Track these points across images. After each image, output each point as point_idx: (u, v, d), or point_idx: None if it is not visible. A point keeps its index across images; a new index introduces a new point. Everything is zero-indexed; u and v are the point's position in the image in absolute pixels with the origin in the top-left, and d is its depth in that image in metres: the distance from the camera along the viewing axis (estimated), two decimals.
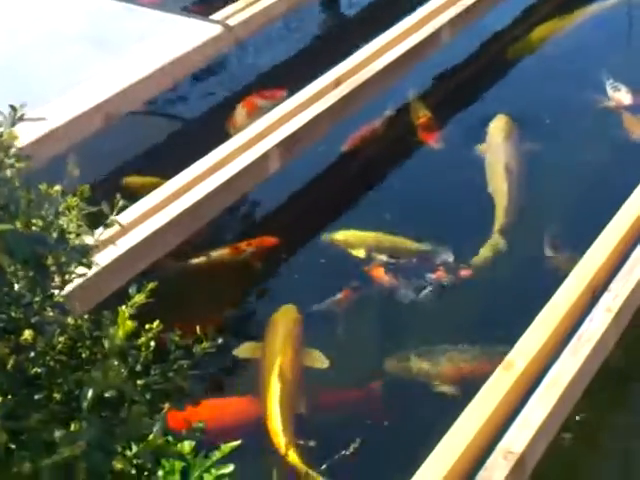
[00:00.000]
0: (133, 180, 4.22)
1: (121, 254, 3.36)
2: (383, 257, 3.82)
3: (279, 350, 3.32)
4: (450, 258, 3.77)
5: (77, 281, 2.88)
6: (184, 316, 2.86)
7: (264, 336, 3.43)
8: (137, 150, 4.62)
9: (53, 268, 1.58)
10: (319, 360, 3.35)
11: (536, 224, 4.04)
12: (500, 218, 4.04)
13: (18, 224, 1.39)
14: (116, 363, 1.40)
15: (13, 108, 1.42)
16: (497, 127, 4.58)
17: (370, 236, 3.96)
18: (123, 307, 1.47)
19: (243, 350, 3.42)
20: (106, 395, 1.57)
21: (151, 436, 1.32)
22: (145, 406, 1.42)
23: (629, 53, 5.34)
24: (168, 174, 3.83)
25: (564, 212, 4.14)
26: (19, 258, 1.29)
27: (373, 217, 4.12)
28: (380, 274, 3.74)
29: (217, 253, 3.93)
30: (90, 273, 3.05)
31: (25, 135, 3.72)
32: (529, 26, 5.54)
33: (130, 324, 1.42)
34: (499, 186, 4.20)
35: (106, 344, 1.37)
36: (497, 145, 4.47)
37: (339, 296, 3.66)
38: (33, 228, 1.47)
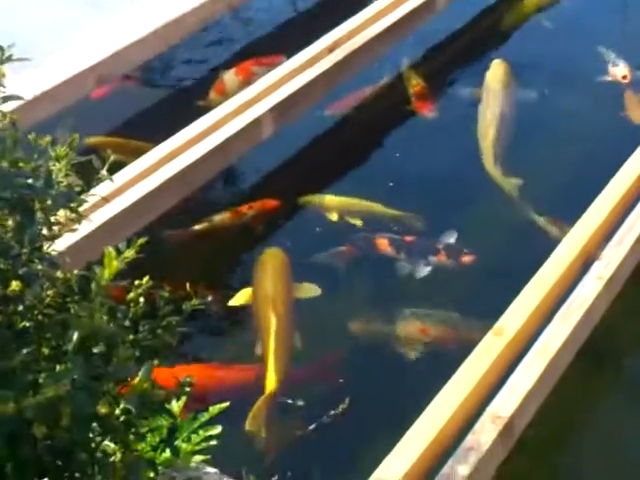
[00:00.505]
0: (95, 140, 4.15)
1: (112, 216, 3.35)
2: (357, 221, 3.87)
3: (269, 288, 3.40)
4: (453, 239, 3.74)
5: (68, 240, 2.92)
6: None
7: (253, 279, 3.48)
8: (128, 114, 4.57)
9: (41, 215, 1.56)
10: (310, 290, 3.45)
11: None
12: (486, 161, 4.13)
13: (4, 163, 1.37)
14: (103, 307, 1.38)
15: (0, 48, 1.39)
16: (493, 72, 4.67)
17: (343, 200, 4.00)
18: (110, 248, 1.46)
19: (237, 299, 3.45)
20: (94, 350, 1.57)
21: (137, 380, 1.32)
22: (132, 351, 1.41)
23: (625, 21, 5.31)
24: (159, 139, 3.80)
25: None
26: (4, 196, 1.27)
27: (363, 184, 4.12)
28: (384, 245, 3.74)
29: (218, 217, 3.92)
30: (82, 232, 3.10)
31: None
32: None
33: (116, 265, 1.41)
34: (486, 130, 4.30)
35: (93, 286, 1.36)
36: (491, 90, 4.55)
37: (341, 249, 3.70)
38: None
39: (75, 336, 1.26)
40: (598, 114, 4.54)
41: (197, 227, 3.87)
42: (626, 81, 4.68)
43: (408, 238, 3.75)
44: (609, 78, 4.74)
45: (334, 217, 3.91)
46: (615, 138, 4.27)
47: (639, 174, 3.53)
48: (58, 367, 1.23)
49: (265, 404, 2.94)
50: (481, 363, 2.82)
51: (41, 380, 1.20)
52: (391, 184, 4.11)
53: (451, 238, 3.75)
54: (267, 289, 3.41)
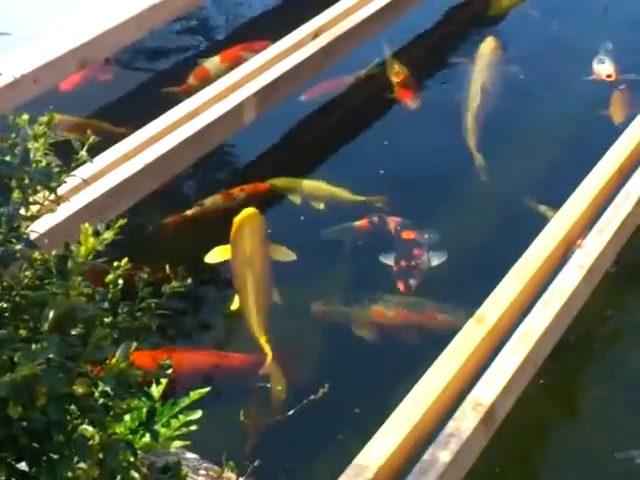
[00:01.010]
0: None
1: (92, 199, 3.33)
2: (320, 204, 3.89)
3: (247, 247, 3.45)
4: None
5: (47, 223, 2.89)
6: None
7: (231, 238, 3.50)
8: (109, 98, 4.54)
9: (18, 197, 1.54)
10: (286, 254, 3.54)
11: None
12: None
13: None
14: (80, 285, 1.36)
15: None
16: (484, 48, 4.76)
17: (308, 184, 4.01)
18: (86, 224, 1.44)
19: (212, 255, 3.51)
20: (72, 332, 1.55)
21: (114, 360, 1.30)
22: (109, 331, 1.39)
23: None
24: (140, 123, 3.77)
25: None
26: None
27: (343, 172, 4.12)
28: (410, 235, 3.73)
29: (210, 200, 3.90)
30: (61, 216, 3.07)
31: None
32: None
33: (93, 241, 1.39)
34: (471, 103, 4.39)
35: (69, 263, 1.34)
36: (480, 64, 4.64)
37: (357, 223, 3.74)
38: None
39: (51, 314, 1.24)
40: (579, 111, 4.52)
41: (190, 211, 3.84)
42: (611, 79, 4.62)
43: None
44: (593, 76, 4.69)
45: (297, 200, 3.94)
46: (595, 135, 4.26)
47: (619, 165, 3.54)
48: (34, 346, 1.21)
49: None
50: (462, 350, 2.81)
51: (16, 359, 1.18)
52: (381, 172, 4.10)
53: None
54: (245, 247, 3.45)
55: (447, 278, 3.56)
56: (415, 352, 3.21)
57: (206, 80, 4.32)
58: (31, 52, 4.02)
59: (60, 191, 1.83)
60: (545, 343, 2.97)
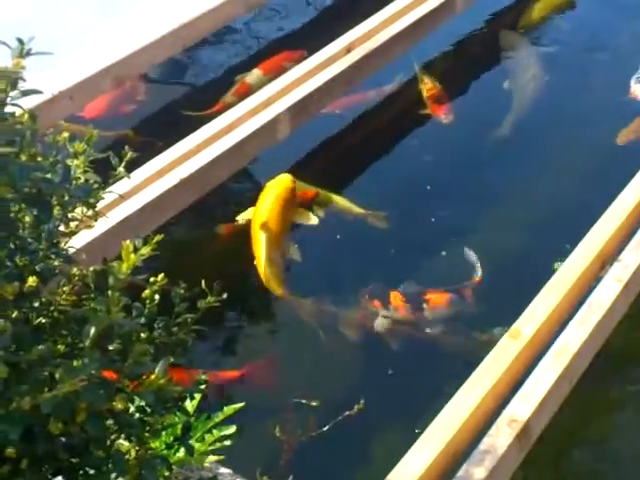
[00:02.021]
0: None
1: (129, 214, 3.35)
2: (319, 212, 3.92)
3: (267, 207, 3.73)
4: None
5: (85, 238, 2.92)
6: None
7: (259, 197, 3.79)
8: (144, 114, 4.58)
9: (58, 213, 1.56)
10: (309, 218, 3.82)
11: None
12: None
13: (23, 157, 1.37)
14: (121, 301, 1.37)
15: (20, 42, 1.39)
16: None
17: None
18: (128, 241, 1.45)
19: (243, 215, 3.81)
20: (109, 347, 1.56)
21: (152, 376, 1.31)
22: (148, 347, 1.40)
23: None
24: (175, 138, 3.80)
25: None
26: (22, 192, 1.27)
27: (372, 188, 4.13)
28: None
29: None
30: (98, 231, 3.10)
31: (33, 96, 3.75)
32: None
33: (134, 258, 1.40)
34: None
35: (110, 280, 1.35)
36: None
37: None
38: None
39: (92, 331, 1.25)
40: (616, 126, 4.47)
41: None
42: None
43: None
44: (630, 96, 4.61)
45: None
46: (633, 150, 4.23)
47: None
48: (75, 362, 1.22)
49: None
50: (497, 366, 2.79)
51: (57, 375, 1.19)
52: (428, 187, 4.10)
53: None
54: (264, 208, 3.72)
55: (486, 291, 3.55)
56: (449, 368, 3.20)
57: (249, 93, 4.31)
58: (67, 69, 4.06)
59: (97, 206, 1.86)
60: (581, 358, 2.94)
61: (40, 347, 1.25)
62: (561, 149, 4.32)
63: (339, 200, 3.99)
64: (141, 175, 3.53)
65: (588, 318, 2.99)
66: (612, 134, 4.37)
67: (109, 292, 1.40)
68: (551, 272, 3.15)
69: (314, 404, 2.80)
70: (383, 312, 3.42)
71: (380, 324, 3.39)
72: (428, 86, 4.62)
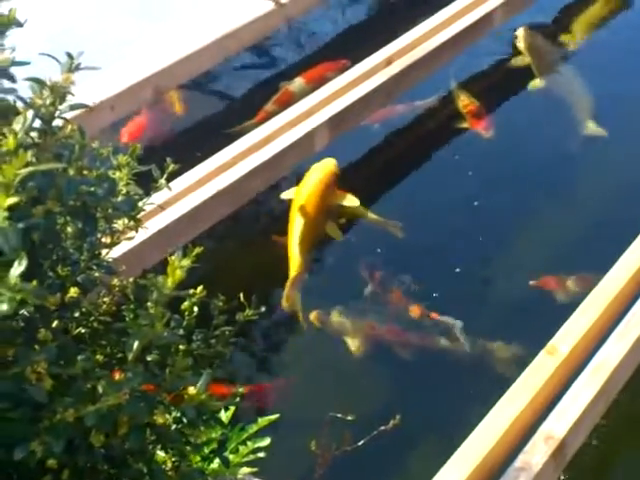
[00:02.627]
0: None
1: (168, 224, 3.38)
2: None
3: (309, 188, 3.85)
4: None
5: (123, 247, 2.94)
6: None
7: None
8: (185, 124, 4.61)
9: (102, 225, 1.58)
10: (351, 200, 3.90)
11: None
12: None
13: (71, 171, 1.39)
14: (164, 316, 1.38)
15: (70, 56, 1.41)
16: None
17: None
18: (174, 256, 1.46)
19: (286, 194, 3.94)
20: (148, 357, 1.58)
21: (194, 391, 1.32)
22: (189, 360, 1.41)
23: None
24: (213, 149, 3.82)
25: None
26: (68, 205, 1.29)
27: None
28: None
29: None
30: (137, 240, 3.13)
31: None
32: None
33: (180, 273, 1.41)
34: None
35: (154, 294, 1.36)
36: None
37: None
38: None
39: (135, 345, 1.26)
40: None
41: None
42: None
43: None
44: None
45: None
46: None
47: None
48: (117, 375, 1.23)
49: (293, 284, 3.53)
50: (534, 382, 2.78)
51: (100, 388, 1.21)
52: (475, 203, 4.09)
53: None
54: (305, 190, 3.85)
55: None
56: (487, 383, 3.18)
57: (291, 102, 4.33)
58: (108, 79, 4.10)
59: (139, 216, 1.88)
60: (619, 375, 2.92)
61: (83, 359, 1.26)
62: (608, 164, 4.29)
63: (360, 209, 3.99)
64: (179, 186, 3.55)
65: (626, 335, 2.97)
66: None
67: (149, 304, 1.42)
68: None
69: (349, 418, 2.80)
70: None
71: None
72: (465, 102, 4.61)
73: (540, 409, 2.77)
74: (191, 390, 1.31)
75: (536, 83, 4.80)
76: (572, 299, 3.40)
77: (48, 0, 4.63)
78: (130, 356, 1.26)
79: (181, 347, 1.82)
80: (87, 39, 4.36)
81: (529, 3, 5.15)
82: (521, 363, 3.01)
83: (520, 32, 4.97)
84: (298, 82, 4.65)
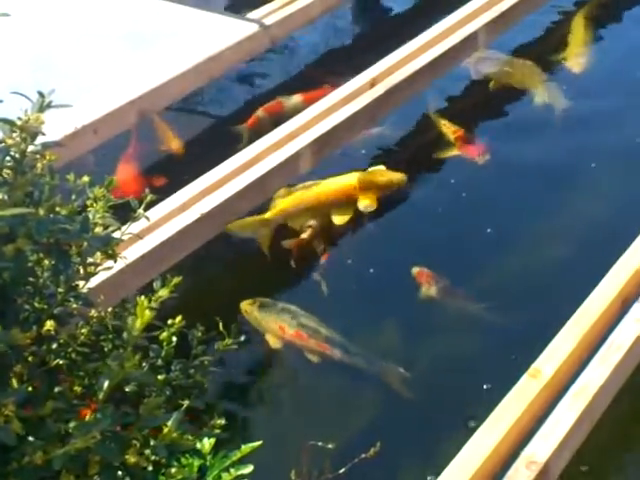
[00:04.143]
0: None
1: (148, 250, 3.37)
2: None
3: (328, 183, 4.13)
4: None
5: (103, 276, 2.93)
6: None
7: None
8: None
9: (77, 259, 1.58)
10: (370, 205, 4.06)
11: None
12: None
13: (41, 211, 1.39)
14: (136, 355, 1.38)
15: (41, 95, 1.41)
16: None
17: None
18: (142, 297, 1.46)
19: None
20: (125, 389, 1.58)
21: (166, 430, 1.31)
22: (163, 398, 1.41)
23: None
24: (199, 172, 3.83)
25: None
26: (41, 243, 1.29)
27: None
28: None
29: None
30: (116, 268, 3.11)
31: (57, 130, 3.80)
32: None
33: (149, 314, 1.41)
34: None
35: (124, 335, 1.36)
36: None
37: None
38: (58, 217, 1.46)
39: (105, 384, 1.26)
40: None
41: (306, 234, 3.99)
42: None
43: None
44: None
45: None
46: None
47: None
48: (88, 416, 1.23)
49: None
50: (516, 406, 2.77)
51: (70, 429, 1.20)
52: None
53: None
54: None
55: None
56: (468, 407, 3.18)
57: (280, 114, 4.41)
58: (91, 103, 4.10)
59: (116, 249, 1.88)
60: (602, 398, 2.92)
61: (56, 396, 1.25)
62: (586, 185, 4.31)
63: None
64: (163, 210, 3.55)
65: (608, 358, 2.97)
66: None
67: (123, 338, 1.42)
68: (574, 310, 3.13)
69: (330, 446, 2.79)
70: None
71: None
72: (452, 128, 4.57)
73: (523, 433, 2.77)
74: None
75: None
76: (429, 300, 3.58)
77: (32, 25, 4.64)
78: (101, 396, 1.26)
79: (159, 377, 1.83)
80: (69, 62, 4.37)
81: (513, 23, 5.16)
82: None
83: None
84: (295, 99, 4.67)
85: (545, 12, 5.57)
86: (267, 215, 3.99)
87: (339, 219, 4.04)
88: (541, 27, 5.59)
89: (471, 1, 4.98)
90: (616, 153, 4.52)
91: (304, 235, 3.97)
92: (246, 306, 3.57)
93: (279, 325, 3.49)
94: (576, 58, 5.23)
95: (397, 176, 4.19)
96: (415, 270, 3.76)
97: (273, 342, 3.49)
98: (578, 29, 5.46)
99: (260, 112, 4.63)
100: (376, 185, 4.13)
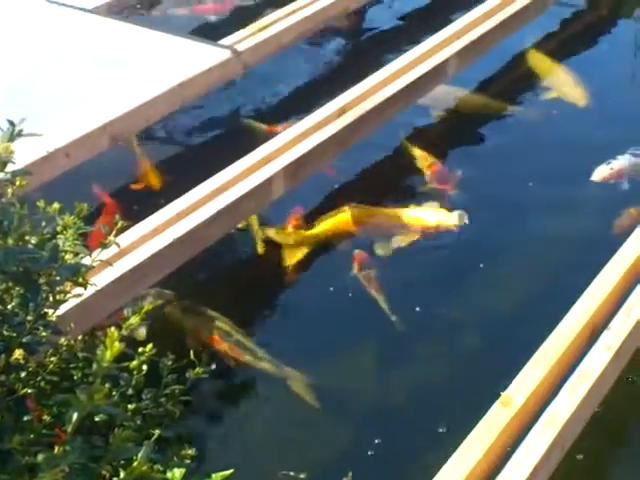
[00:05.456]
0: None
1: (119, 275, 3.34)
2: None
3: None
4: None
5: (73, 302, 2.91)
6: None
7: None
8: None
9: (46, 287, 1.56)
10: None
11: None
12: None
13: (10, 240, 1.38)
14: (105, 385, 1.37)
15: (11, 123, 1.40)
16: None
17: None
18: (112, 328, 1.45)
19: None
20: (95, 419, 1.56)
21: (135, 462, 1.30)
22: (132, 430, 1.39)
23: None
24: (170, 197, 3.82)
25: None
26: (9, 272, 1.27)
27: None
28: None
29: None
30: (87, 294, 3.09)
31: (29, 154, 3.78)
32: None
33: (118, 346, 1.40)
34: None
35: (94, 366, 1.35)
36: None
37: None
38: (27, 245, 1.45)
39: (74, 417, 1.25)
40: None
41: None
42: (607, 182, 4.53)
43: None
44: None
45: None
46: None
47: None
48: (56, 449, 1.21)
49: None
50: (488, 435, 2.77)
51: (39, 460, 1.18)
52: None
53: None
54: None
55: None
56: (439, 436, 3.18)
57: None
58: (63, 126, 4.08)
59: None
60: (573, 426, 2.93)
61: (22, 433, 1.24)
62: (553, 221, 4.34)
63: None
64: (134, 234, 3.53)
65: (579, 385, 2.98)
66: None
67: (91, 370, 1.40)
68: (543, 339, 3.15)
69: (302, 477, 2.77)
70: None
71: None
72: (428, 162, 4.60)
73: (495, 462, 2.76)
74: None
75: None
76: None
77: (1, 49, 4.63)
78: (69, 428, 1.24)
79: (129, 406, 1.81)
80: (41, 85, 4.36)
81: (483, 52, 5.21)
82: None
83: None
84: None
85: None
86: (315, 231, 4.12)
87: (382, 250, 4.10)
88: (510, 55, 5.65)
89: (441, 30, 5.02)
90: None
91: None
92: (170, 308, 3.70)
93: (197, 328, 3.61)
94: (574, 91, 5.27)
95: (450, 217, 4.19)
96: (356, 251, 4.02)
97: (191, 344, 3.53)
98: (548, 64, 5.53)
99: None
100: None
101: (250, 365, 3.49)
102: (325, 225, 4.20)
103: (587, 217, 4.34)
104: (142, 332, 3.48)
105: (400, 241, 4.11)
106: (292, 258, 4.08)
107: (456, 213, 4.18)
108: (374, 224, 4.21)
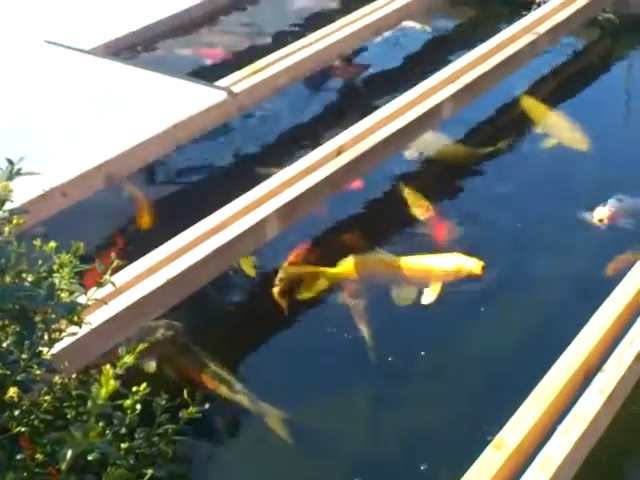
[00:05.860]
0: None
1: (113, 315, 3.34)
2: None
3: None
4: None
5: (68, 340, 2.91)
6: None
7: None
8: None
9: (42, 325, 1.57)
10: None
11: None
12: None
13: (7, 278, 1.38)
14: (99, 424, 1.37)
15: (10, 162, 1.42)
16: None
17: None
18: (107, 366, 1.46)
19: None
20: (88, 457, 1.56)
21: None
22: (125, 469, 1.39)
23: None
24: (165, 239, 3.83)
25: None
26: (5, 310, 1.28)
27: None
28: None
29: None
30: (81, 332, 3.09)
31: (26, 192, 3.80)
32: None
33: (113, 384, 1.40)
34: None
35: (89, 404, 1.35)
36: None
37: None
38: (24, 283, 1.46)
39: (68, 454, 1.25)
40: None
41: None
42: (602, 225, 4.55)
43: None
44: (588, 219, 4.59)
45: None
46: None
47: (639, 289, 3.54)
48: None
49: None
50: (481, 478, 2.76)
51: None
52: None
53: None
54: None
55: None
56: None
57: None
58: (60, 165, 4.11)
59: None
60: (566, 470, 2.92)
61: (15, 472, 1.23)
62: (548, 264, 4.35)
63: None
64: (129, 274, 3.54)
65: (572, 429, 2.97)
66: None
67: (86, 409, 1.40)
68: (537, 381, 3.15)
69: None
70: None
71: None
72: (426, 213, 4.59)
73: None
74: None
75: None
76: None
77: (1, 89, 4.66)
78: (63, 466, 1.24)
79: (122, 445, 1.81)
80: (38, 125, 4.39)
81: (478, 96, 5.26)
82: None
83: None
84: None
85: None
86: (337, 270, 4.16)
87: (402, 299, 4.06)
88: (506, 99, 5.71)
89: (436, 73, 5.08)
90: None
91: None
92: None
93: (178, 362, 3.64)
94: (573, 136, 5.28)
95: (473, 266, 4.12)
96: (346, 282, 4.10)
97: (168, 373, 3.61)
98: (542, 109, 5.58)
99: None
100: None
101: (226, 398, 3.49)
102: (342, 268, 4.18)
103: (581, 259, 4.35)
104: (152, 365, 3.54)
105: (431, 294, 4.05)
106: (309, 291, 4.09)
107: (477, 261, 4.12)
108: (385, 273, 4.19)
